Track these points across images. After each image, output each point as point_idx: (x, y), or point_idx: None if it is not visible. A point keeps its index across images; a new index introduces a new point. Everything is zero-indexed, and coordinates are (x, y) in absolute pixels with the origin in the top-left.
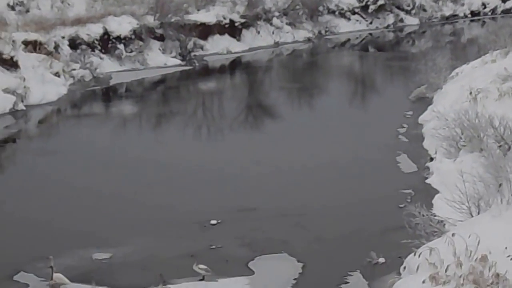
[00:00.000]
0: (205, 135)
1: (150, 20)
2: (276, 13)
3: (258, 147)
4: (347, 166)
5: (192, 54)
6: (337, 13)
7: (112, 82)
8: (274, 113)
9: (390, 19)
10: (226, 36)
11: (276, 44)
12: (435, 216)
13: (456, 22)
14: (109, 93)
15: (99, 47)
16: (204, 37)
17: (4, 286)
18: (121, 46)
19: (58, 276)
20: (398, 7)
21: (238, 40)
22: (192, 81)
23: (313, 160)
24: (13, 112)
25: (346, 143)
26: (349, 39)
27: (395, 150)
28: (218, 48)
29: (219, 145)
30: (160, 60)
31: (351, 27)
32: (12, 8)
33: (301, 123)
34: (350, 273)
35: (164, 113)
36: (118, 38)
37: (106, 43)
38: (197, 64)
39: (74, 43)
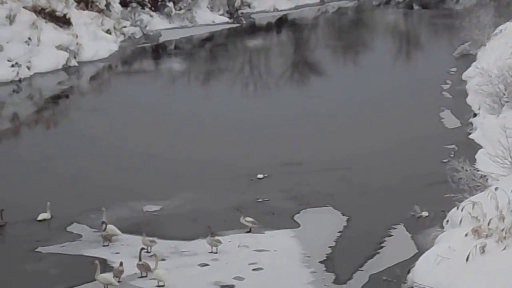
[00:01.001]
0: (252, 91)
1: None
2: None
3: (304, 102)
4: (391, 121)
5: (239, 11)
6: None
7: (162, 40)
8: (320, 70)
9: None
10: None
11: (322, 1)
12: (478, 170)
13: None
14: (159, 50)
15: (149, 5)
16: None
17: (58, 236)
18: (170, 4)
19: (110, 228)
20: None
21: None
22: (239, 38)
23: (358, 116)
24: (66, 68)
25: (391, 99)
26: None
27: (439, 106)
28: (265, 6)
29: (266, 101)
30: (208, 17)
31: None
32: None
33: (346, 80)
34: (394, 226)
35: (212, 70)
36: None
37: (156, 1)
38: (244, 22)
39: (124, 1)
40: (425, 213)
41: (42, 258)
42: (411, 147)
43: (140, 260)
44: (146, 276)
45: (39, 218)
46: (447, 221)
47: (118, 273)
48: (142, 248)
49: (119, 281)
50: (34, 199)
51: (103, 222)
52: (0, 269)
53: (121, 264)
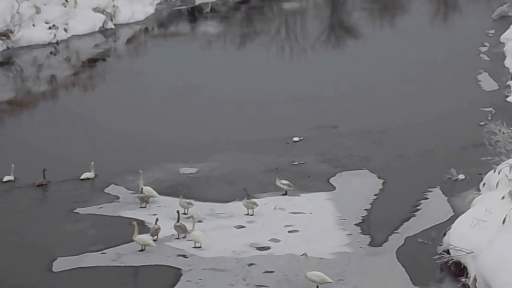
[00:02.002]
0: (288, 54)
1: None
2: None
3: (340, 66)
4: (427, 84)
5: None
6: None
7: (197, 2)
8: (356, 33)
9: None
10: None
11: None
12: None
13: None
14: (194, 13)
15: None
16: None
17: (96, 198)
18: None
19: (147, 189)
20: None
21: None
22: (276, 1)
23: (394, 79)
24: (103, 31)
25: (427, 62)
26: None
27: (477, 68)
28: None
29: (302, 65)
30: None
31: None
32: None
33: (382, 43)
34: (430, 189)
35: (247, 33)
36: None
37: None
38: None
39: None
40: (461, 176)
41: (80, 219)
42: (448, 109)
43: (178, 221)
44: (184, 237)
45: (82, 177)
46: (484, 184)
47: (154, 232)
48: (179, 210)
49: (155, 240)
50: (75, 159)
51: (140, 184)
52: (40, 229)
53: (156, 221)
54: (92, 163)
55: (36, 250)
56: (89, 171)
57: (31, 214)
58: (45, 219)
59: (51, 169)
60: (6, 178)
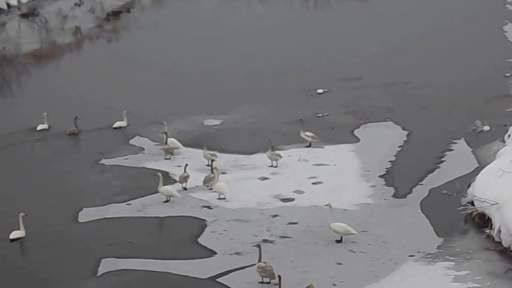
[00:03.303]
0: (312, 5)
1: None
2: None
3: (364, 17)
4: (452, 34)
5: None
6: None
7: None
8: None
9: None
10: None
11: None
12: None
13: None
14: None
15: None
16: None
17: (120, 149)
18: None
19: (171, 141)
20: None
21: None
22: None
23: (418, 29)
24: None
25: (452, 12)
26: None
27: (502, 19)
28: None
29: (326, 16)
30: None
31: None
32: None
33: None
34: (454, 140)
35: None
36: None
37: None
38: None
39: None
40: (486, 127)
41: (105, 170)
42: (473, 60)
43: (212, 170)
44: (210, 188)
45: (115, 125)
46: (509, 135)
47: (183, 179)
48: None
49: (184, 188)
50: (106, 108)
51: (164, 132)
52: (67, 180)
53: (185, 169)
54: (125, 111)
55: (63, 200)
56: (122, 120)
57: (60, 164)
58: (72, 169)
59: (84, 118)
60: (40, 127)
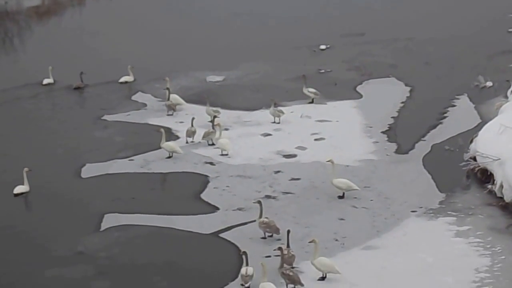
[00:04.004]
0: None
1: None
2: None
3: None
4: None
5: None
6: None
7: None
8: None
9: None
10: None
11: None
12: None
13: None
14: None
15: None
16: None
17: (123, 105)
18: None
19: (174, 97)
20: None
21: None
22: None
23: None
24: None
25: None
26: None
27: None
28: None
29: None
30: None
31: None
32: None
33: None
34: (457, 96)
35: None
36: None
37: None
38: None
39: None
40: (489, 83)
41: (108, 125)
42: (476, 16)
43: (213, 126)
44: (212, 145)
45: (121, 80)
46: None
47: (191, 133)
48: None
49: (192, 142)
50: (112, 63)
51: (167, 88)
52: (69, 136)
53: (192, 122)
54: (129, 66)
55: (65, 156)
56: (128, 75)
57: (63, 119)
58: (75, 125)
59: (91, 72)
60: (45, 81)
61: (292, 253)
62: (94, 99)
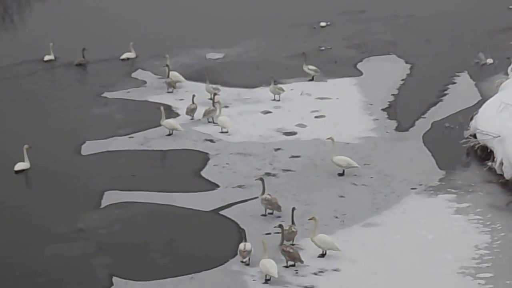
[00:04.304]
0: None
1: None
2: None
3: None
4: None
5: None
6: None
7: None
8: None
9: None
10: None
11: None
12: None
13: None
14: None
15: None
16: None
17: (123, 82)
18: None
19: (174, 74)
20: None
21: None
22: None
23: None
24: None
25: None
26: None
27: None
28: None
29: None
30: None
31: None
32: None
33: None
34: (457, 73)
35: None
36: None
37: None
38: None
39: None
40: (489, 60)
41: (108, 102)
42: None
43: (214, 104)
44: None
45: (123, 57)
46: None
47: (190, 111)
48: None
49: (192, 119)
50: (115, 39)
51: (166, 65)
52: (69, 113)
53: (193, 99)
54: (131, 43)
55: (65, 133)
56: (130, 51)
57: (63, 96)
58: (75, 102)
59: (93, 49)
60: (47, 58)
61: (293, 229)
62: (95, 76)
